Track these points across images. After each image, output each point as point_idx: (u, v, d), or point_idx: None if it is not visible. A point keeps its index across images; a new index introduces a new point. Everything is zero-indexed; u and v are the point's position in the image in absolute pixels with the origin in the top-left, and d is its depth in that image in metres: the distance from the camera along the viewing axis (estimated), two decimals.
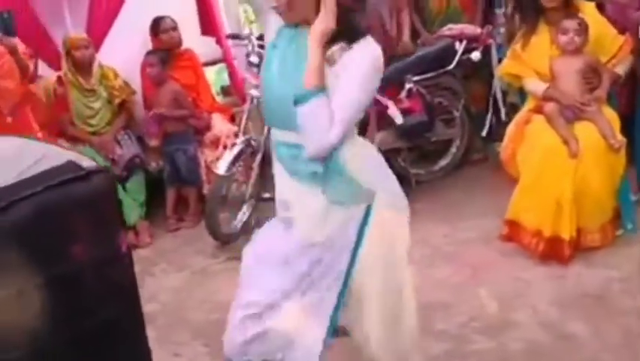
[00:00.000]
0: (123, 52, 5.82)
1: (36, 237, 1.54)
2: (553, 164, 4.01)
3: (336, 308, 2.53)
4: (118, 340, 1.76)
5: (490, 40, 5.43)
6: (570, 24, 4.10)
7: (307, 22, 2.35)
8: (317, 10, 2.31)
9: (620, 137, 4.04)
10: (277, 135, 2.54)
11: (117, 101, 5.58)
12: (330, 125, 2.24)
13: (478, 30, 5.42)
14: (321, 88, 2.25)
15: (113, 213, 1.78)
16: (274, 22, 2.50)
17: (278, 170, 2.60)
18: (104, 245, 1.69)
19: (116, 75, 5.62)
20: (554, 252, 4.04)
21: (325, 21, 2.27)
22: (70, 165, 1.63)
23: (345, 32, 2.31)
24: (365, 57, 2.29)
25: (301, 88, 2.26)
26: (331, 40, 2.30)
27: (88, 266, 1.64)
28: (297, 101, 2.25)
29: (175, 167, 5.51)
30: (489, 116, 5.51)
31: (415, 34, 5.78)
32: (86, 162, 1.68)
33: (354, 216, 2.47)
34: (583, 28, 4.09)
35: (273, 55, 2.49)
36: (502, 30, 5.49)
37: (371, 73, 2.30)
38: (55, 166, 1.62)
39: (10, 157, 1.61)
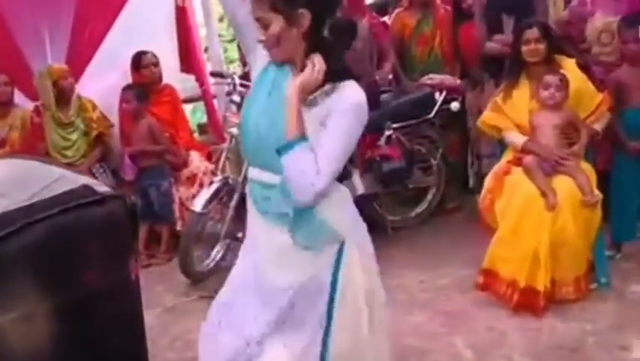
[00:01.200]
0: (103, 84, 5.81)
1: (48, 261, 1.50)
2: (531, 215, 4.05)
3: (324, 352, 2.46)
4: None
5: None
6: (552, 79, 4.18)
7: (293, 62, 2.34)
8: (305, 52, 2.31)
9: (596, 192, 4.09)
10: (252, 173, 2.51)
11: (94, 133, 5.56)
12: (315, 171, 2.21)
13: (458, 81, 5.51)
14: (302, 136, 2.23)
15: (126, 240, 1.74)
16: (261, 59, 2.48)
17: (250, 208, 2.56)
18: (116, 272, 1.66)
19: (94, 107, 5.60)
20: (529, 302, 4.04)
21: (309, 77, 2.25)
22: (86, 189, 1.60)
23: (332, 73, 2.28)
24: (350, 104, 2.26)
25: (282, 139, 2.23)
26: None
27: (98, 293, 1.61)
28: (280, 152, 2.23)
29: (148, 202, 5.46)
30: (470, 167, 5.58)
31: (396, 81, 5.90)
32: (101, 188, 1.65)
33: (325, 261, 2.43)
34: (564, 84, 4.18)
35: (256, 92, 2.47)
36: None
37: (356, 120, 2.27)
38: (70, 189, 1.58)
39: (23, 178, 1.57)
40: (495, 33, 5.26)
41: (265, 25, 2.28)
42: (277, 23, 2.25)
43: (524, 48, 4.32)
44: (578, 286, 4.14)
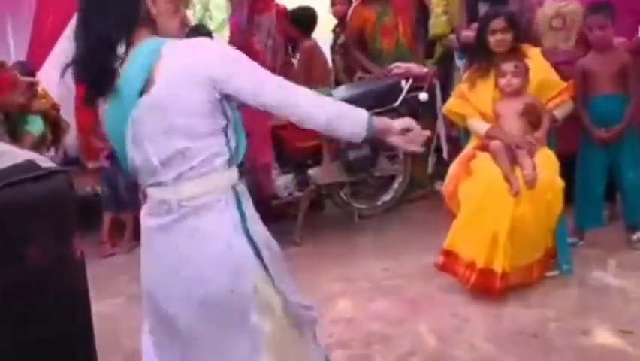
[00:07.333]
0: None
1: None
2: (493, 198, 4.04)
3: None
4: (70, 351, 1.69)
5: (435, 80, 5.53)
6: (507, 67, 4.19)
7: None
8: None
9: (558, 179, 4.09)
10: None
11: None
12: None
13: (425, 70, 5.51)
14: None
15: (71, 216, 1.72)
16: None
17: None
18: (60, 248, 1.64)
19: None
20: (486, 284, 4.02)
21: None
22: (30, 164, 1.59)
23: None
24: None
25: None
26: None
27: (42, 269, 1.58)
28: None
29: (114, 190, 5.40)
30: (431, 154, 5.59)
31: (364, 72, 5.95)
32: (45, 163, 1.63)
33: None
34: (520, 71, 4.18)
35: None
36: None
37: None
38: (14, 164, 1.56)
39: None
40: (472, 21, 5.12)
41: None
42: None
43: (491, 39, 4.30)
44: (530, 272, 4.15)
